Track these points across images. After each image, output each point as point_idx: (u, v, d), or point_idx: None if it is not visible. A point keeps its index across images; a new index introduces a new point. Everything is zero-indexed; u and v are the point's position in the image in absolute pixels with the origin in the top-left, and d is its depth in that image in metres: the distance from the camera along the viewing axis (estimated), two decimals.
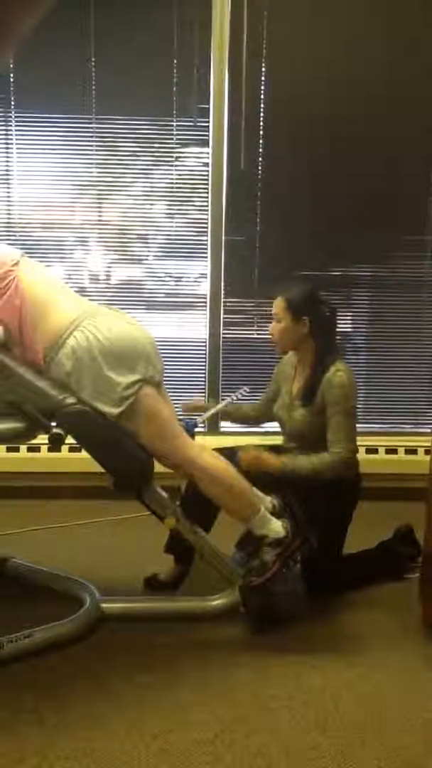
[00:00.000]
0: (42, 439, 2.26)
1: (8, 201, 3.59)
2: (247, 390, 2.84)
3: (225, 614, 2.43)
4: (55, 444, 2.18)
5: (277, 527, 2.34)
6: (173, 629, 2.42)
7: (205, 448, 2.34)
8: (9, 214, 3.59)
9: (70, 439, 2.25)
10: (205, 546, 2.44)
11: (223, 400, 2.91)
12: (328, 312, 2.62)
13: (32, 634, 2.21)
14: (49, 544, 3.08)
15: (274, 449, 2.69)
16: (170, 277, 3.73)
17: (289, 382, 2.71)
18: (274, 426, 2.82)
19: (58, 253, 3.66)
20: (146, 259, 3.71)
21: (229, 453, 2.45)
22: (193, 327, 3.74)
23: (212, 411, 2.78)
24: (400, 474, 3.55)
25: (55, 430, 2.18)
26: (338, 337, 2.69)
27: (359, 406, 3.75)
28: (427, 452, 2.76)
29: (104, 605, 2.42)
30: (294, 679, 2.17)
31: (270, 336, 2.64)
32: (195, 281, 3.72)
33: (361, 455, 3.47)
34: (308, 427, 2.58)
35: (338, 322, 2.68)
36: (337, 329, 2.69)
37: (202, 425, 2.80)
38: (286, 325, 2.58)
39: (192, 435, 2.47)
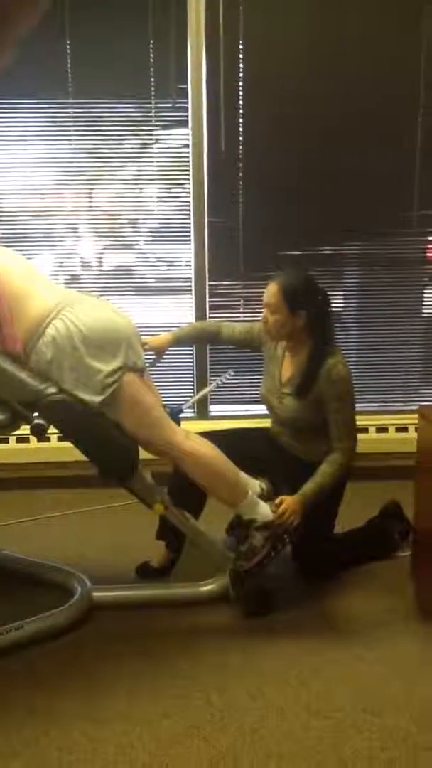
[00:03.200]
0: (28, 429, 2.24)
1: None
2: (233, 373, 2.81)
3: (216, 599, 2.43)
4: (38, 434, 2.16)
5: (265, 511, 2.33)
6: (165, 616, 2.41)
7: (190, 434, 2.32)
8: None
9: (54, 429, 2.24)
10: (195, 531, 2.43)
11: (211, 383, 2.90)
12: (323, 300, 2.53)
13: (23, 626, 2.21)
14: (38, 535, 3.07)
15: (261, 433, 2.68)
16: (158, 261, 3.69)
17: (277, 364, 2.65)
18: (261, 409, 2.79)
19: (41, 242, 3.62)
20: (132, 245, 3.67)
21: (215, 437, 2.43)
22: (179, 311, 3.70)
23: (199, 395, 2.76)
24: (390, 453, 3.54)
25: (36, 421, 2.16)
26: (334, 326, 2.61)
27: None
28: (416, 430, 2.76)
29: (95, 594, 2.43)
30: (286, 663, 2.17)
31: (262, 322, 2.55)
32: (178, 265, 3.68)
33: None
34: (300, 416, 2.55)
35: (332, 308, 2.60)
36: (332, 317, 2.60)
37: (190, 410, 2.78)
38: (282, 318, 2.47)
39: (178, 421, 2.46)
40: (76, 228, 3.61)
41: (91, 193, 3.58)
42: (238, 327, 2.78)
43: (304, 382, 2.50)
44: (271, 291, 2.49)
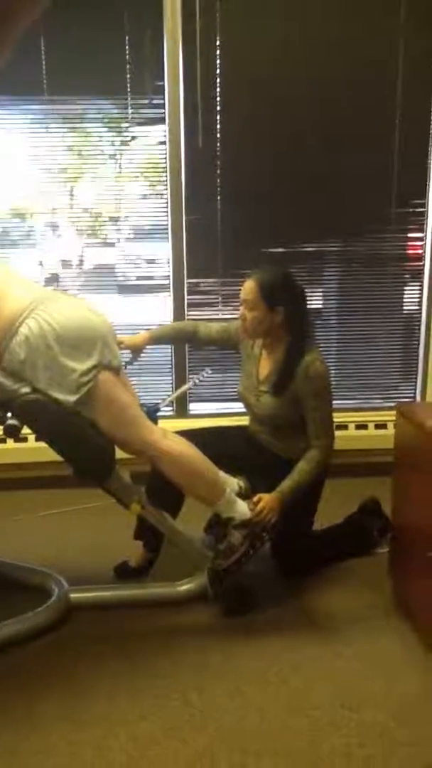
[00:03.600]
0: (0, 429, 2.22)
1: None
2: (210, 371, 2.79)
3: (194, 598, 2.42)
4: (11, 435, 2.14)
5: (243, 509, 2.32)
6: (143, 616, 2.40)
7: (167, 433, 2.31)
8: None
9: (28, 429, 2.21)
10: (173, 531, 2.42)
11: (188, 381, 2.88)
12: (300, 296, 2.52)
13: (1, 628, 2.19)
14: (13, 536, 3.03)
15: (239, 431, 2.67)
16: (137, 259, 3.67)
17: (254, 362, 2.64)
18: (240, 407, 2.78)
19: (20, 240, 3.58)
20: (111, 243, 3.64)
21: (193, 435, 2.42)
22: (159, 310, 3.68)
23: (177, 393, 2.75)
24: (370, 450, 3.54)
25: (9, 421, 2.13)
26: (311, 322, 2.60)
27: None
28: (395, 426, 2.76)
29: (73, 595, 2.41)
30: (265, 661, 2.16)
31: (240, 319, 2.53)
32: (157, 263, 3.66)
33: None
34: (277, 413, 2.54)
35: (309, 304, 2.59)
36: (309, 314, 2.59)
37: (168, 408, 2.76)
38: (260, 315, 2.46)
39: (155, 419, 2.44)
40: (56, 226, 3.58)
41: (70, 190, 3.55)
42: (214, 326, 2.77)
43: (281, 379, 2.49)
44: (248, 287, 2.47)
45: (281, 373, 2.50)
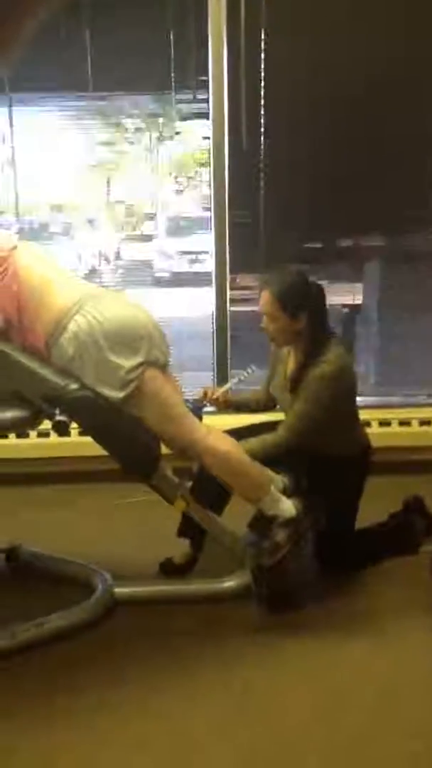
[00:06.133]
0: (49, 424, 2.23)
1: (13, 183, 3.52)
2: (254, 368, 2.78)
3: (238, 595, 2.41)
4: (60, 431, 2.15)
5: (288, 507, 2.31)
6: (186, 612, 2.40)
7: (212, 430, 2.30)
8: (15, 196, 3.53)
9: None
10: (217, 528, 2.41)
11: (232, 378, 2.87)
12: (318, 294, 2.50)
13: (44, 623, 2.21)
14: (59, 531, 3.06)
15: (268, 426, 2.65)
16: (177, 254, 3.67)
17: (284, 362, 2.64)
18: None
19: (61, 234, 3.61)
20: (151, 237, 3.65)
21: (237, 434, 2.42)
22: (201, 305, 3.68)
23: (222, 390, 2.73)
24: (414, 447, 3.50)
25: (58, 417, 2.15)
26: (327, 318, 2.58)
27: (371, 379, 3.74)
28: None
29: (116, 590, 2.41)
30: (308, 659, 2.16)
31: (265, 332, 2.53)
32: (199, 258, 3.66)
33: (375, 428, 3.48)
34: None
35: (326, 299, 2.54)
36: (327, 309, 2.55)
37: (211, 405, 2.76)
38: (283, 325, 2.45)
39: (200, 417, 2.44)
40: (98, 222, 3.60)
41: (110, 186, 3.56)
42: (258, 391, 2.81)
43: (296, 377, 2.49)
44: (264, 299, 2.45)
45: (298, 372, 2.49)
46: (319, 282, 2.56)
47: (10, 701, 1.99)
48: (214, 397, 2.68)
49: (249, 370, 2.76)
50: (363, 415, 2.75)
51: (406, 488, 2.96)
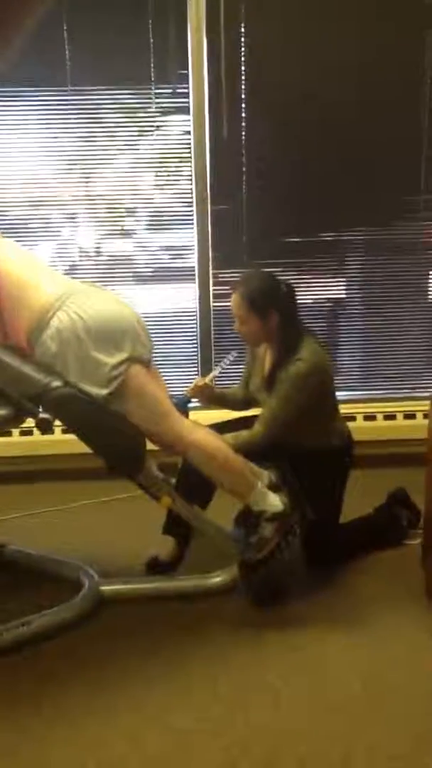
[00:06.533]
0: (32, 422, 2.21)
1: None
2: (235, 354, 2.79)
3: (225, 590, 2.42)
4: (43, 428, 2.14)
5: (275, 502, 2.31)
6: (173, 608, 2.40)
7: (197, 426, 2.30)
8: None
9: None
10: (204, 523, 2.41)
11: (215, 367, 2.88)
12: (288, 295, 2.52)
13: (30, 621, 2.20)
14: (44, 529, 3.04)
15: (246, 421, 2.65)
16: (159, 250, 3.65)
17: (261, 362, 2.65)
18: None
19: (40, 231, 3.58)
20: (134, 233, 3.63)
21: (216, 429, 2.42)
22: (184, 300, 3.67)
23: (210, 377, 2.75)
24: (398, 440, 3.51)
25: (42, 415, 2.13)
26: (299, 316, 2.59)
27: (356, 373, 3.75)
28: (425, 416, 2.73)
29: (103, 588, 2.41)
30: (296, 654, 2.15)
31: (239, 333, 2.56)
32: (180, 253, 3.64)
33: (359, 422, 3.49)
34: None
35: (296, 297, 2.57)
36: (297, 308, 2.58)
37: (196, 399, 2.76)
38: (254, 326, 2.48)
39: (185, 412, 2.43)
40: (75, 216, 3.57)
41: (89, 181, 3.54)
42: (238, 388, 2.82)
43: (272, 376, 2.51)
44: (235, 303, 2.49)
45: (272, 370, 2.52)
46: (289, 281, 2.58)
47: None
48: (203, 383, 2.68)
49: (230, 357, 2.78)
50: (347, 409, 2.75)
51: (391, 481, 2.97)
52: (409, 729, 1.83)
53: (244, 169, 3.53)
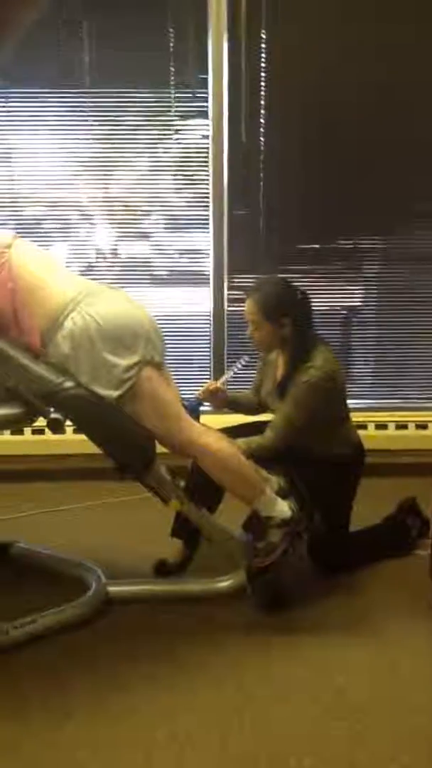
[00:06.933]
0: (44, 421, 2.22)
1: (9, 179, 3.51)
2: (247, 359, 2.80)
3: (232, 595, 2.41)
4: (54, 428, 2.14)
5: (283, 508, 2.30)
6: (180, 611, 2.39)
7: (208, 430, 2.30)
8: (10, 192, 3.52)
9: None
10: (212, 527, 2.41)
11: (228, 371, 2.88)
12: (302, 301, 2.52)
13: (38, 619, 2.20)
14: (53, 528, 3.05)
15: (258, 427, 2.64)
16: (175, 252, 3.66)
17: (273, 368, 2.66)
18: None
19: (61, 232, 3.60)
20: (151, 235, 3.64)
21: (227, 433, 2.42)
22: (199, 303, 3.68)
23: (222, 380, 2.75)
24: (410, 449, 3.50)
25: (53, 415, 2.14)
26: (313, 323, 2.58)
27: (368, 382, 3.74)
28: None
29: (110, 588, 2.41)
30: (302, 661, 2.14)
31: (252, 339, 2.56)
32: (196, 257, 3.65)
33: (371, 431, 3.48)
34: None
35: (311, 305, 2.56)
36: (312, 314, 2.57)
37: (208, 404, 2.76)
38: (267, 332, 2.49)
39: (197, 416, 2.43)
40: (92, 218, 3.59)
41: (108, 183, 3.55)
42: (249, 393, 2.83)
43: (284, 383, 2.51)
44: (248, 308, 2.50)
45: (285, 377, 2.52)
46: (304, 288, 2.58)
47: (2, 698, 1.98)
48: (215, 387, 2.68)
49: (242, 362, 2.79)
50: (359, 417, 2.75)
51: (401, 491, 2.96)
52: (415, 738, 1.82)
53: (262, 174, 3.54)
